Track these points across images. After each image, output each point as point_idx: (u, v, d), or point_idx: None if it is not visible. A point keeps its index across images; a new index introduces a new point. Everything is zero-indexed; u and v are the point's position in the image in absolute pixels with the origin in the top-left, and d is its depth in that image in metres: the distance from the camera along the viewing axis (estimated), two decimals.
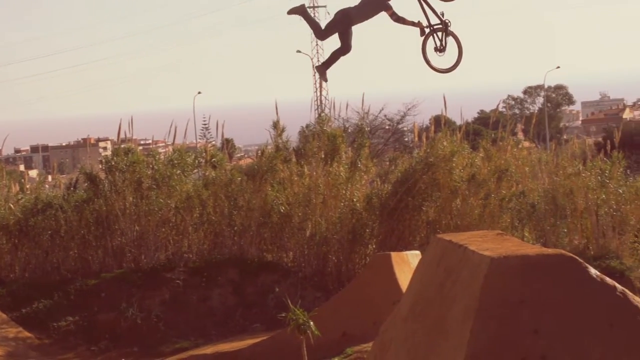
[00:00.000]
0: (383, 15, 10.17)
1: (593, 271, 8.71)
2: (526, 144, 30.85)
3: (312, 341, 14.02)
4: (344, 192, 23.25)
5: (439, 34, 10.07)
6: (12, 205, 24.10)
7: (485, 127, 40.14)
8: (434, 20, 10.08)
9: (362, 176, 23.68)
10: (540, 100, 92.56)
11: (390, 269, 17.25)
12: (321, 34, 10.18)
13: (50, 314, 21.98)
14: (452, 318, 8.82)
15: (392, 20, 9.99)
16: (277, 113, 24.82)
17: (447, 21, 10.06)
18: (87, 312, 21.99)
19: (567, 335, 8.36)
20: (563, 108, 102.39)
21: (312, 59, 79.82)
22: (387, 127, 47.09)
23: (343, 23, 10.03)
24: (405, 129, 47.85)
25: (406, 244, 22.32)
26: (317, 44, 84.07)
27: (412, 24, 10.05)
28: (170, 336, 21.31)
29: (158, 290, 22.42)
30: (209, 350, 19.86)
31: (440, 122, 26.31)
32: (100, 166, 25.53)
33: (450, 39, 10.08)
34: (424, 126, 35.90)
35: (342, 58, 10.37)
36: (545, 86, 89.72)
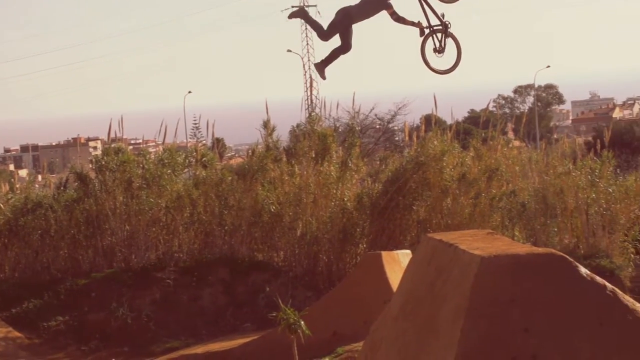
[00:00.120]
0: (379, 14, 10.15)
1: (583, 270, 8.73)
2: (516, 143, 30.88)
3: (302, 340, 14.02)
4: (334, 191, 23.26)
5: (439, 35, 10.06)
6: (1, 205, 24.04)
7: (475, 127, 40.17)
8: (434, 21, 10.07)
9: (353, 175, 23.69)
10: (530, 99, 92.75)
11: (381, 268, 17.26)
12: (324, 34, 10.14)
13: (40, 314, 21.93)
14: (443, 317, 8.82)
15: (392, 20, 9.97)
16: (267, 112, 24.82)
17: (447, 23, 10.05)
18: (78, 311, 21.94)
19: (558, 334, 8.38)
20: (553, 107, 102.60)
21: (302, 58, 79.81)
22: (377, 126, 47.08)
23: (343, 22, 10.02)
24: (396, 128, 47.84)
25: (397, 243, 22.34)
26: (307, 44, 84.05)
27: (412, 24, 10.04)
28: (161, 336, 21.28)
29: (148, 289, 22.39)
30: (199, 349, 19.84)
31: (430, 122, 26.36)
32: (91, 166, 25.48)
33: (449, 41, 10.07)
34: (415, 125, 35.94)
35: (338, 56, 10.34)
36: (536, 85, 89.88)
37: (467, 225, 22.05)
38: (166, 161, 23.99)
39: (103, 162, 23.85)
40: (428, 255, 9.77)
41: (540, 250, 9.16)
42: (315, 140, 23.66)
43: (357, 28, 10.19)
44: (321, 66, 10.27)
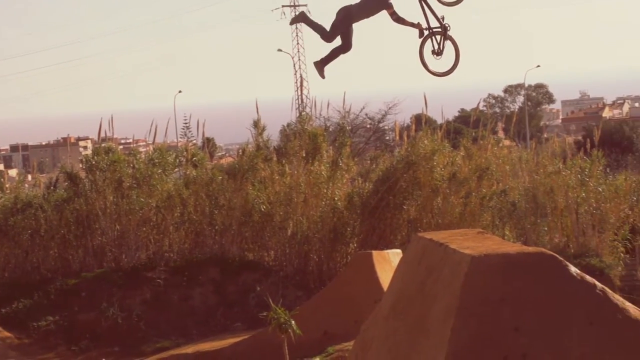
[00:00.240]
0: (379, 14, 10.13)
1: (573, 269, 8.74)
2: (507, 142, 30.95)
3: (293, 340, 14.01)
4: (325, 191, 23.25)
5: (438, 37, 10.05)
6: None
7: (466, 126, 40.24)
8: (434, 23, 10.07)
9: (344, 175, 23.70)
10: (520, 99, 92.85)
11: (371, 267, 17.27)
12: (327, 35, 10.11)
13: (30, 314, 21.87)
14: (433, 316, 8.83)
15: (392, 20, 9.96)
16: (257, 112, 24.80)
17: (446, 25, 10.04)
18: (68, 311, 21.89)
19: (548, 333, 8.39)
20: (543, 107, 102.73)
21: (293, 58, 79.82)
22: (368, 125, 47.12)
23: (344, 21, 9.99)
24: (386, 127, 47.87)
25: (387, 243, 22.36)
26: (298, 43, 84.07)
27: (412, 25, 10.03)
28: (151, 335, 21.25)
29: (139, 289, 22.36)
30: (190, 349, 19.82)
31: (421, 121, 26.37)
32: (81, 165, 25.42)
33: (448, 44, 10.07)
34: (405, 125, 35.99)
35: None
36: (526, 85, 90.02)
37: (457, 224, 22.07)
38: (156, 161, 23.96)
39: (93, 162, 23.80)
40: (418, 254, 9.78)
41: (531, 249, 9.18)
42: (305, 139, 23.66)
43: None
44: (320, 65, 10.23)
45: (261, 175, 23.76)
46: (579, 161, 24.21)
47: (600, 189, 23.50)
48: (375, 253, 18.03)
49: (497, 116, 67.16)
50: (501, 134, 35.39)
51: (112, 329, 21.42)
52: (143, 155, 25.70)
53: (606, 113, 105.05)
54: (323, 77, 10.29)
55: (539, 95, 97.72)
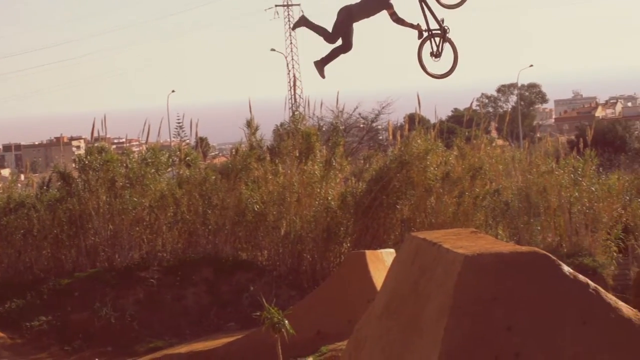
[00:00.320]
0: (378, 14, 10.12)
1: (566, 268, 8.75)
2: (500, 142, 30.98)
3: (286, 340, 14.01)
4: (318, 190, 23.26)
5: (437, 39, 10.06)
6: None
7: (459, 126, 40.26)
8: (434, 25, 10.07)
9: (337, 175, 23.71)
10: (513, 98, 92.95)
11: (364, 267, 17.28)
12: (330, 37, 10.09)
13: (23, 314, 21.84)
14: (427, 315, 8.83)
15: (391, 20, 9.95)
16: (250, 111, 24.79)
17: (446, 28, 10.05)
18: (61, 311, 21.86)
19: (541, 332, 8.40)
20: (536, 106, 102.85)
21: (286, 57, 79.80)
22: (361, 125, 47.13)
23: (345, 21, 9.98)
24: (379, 127, 47.89)
25: (381, 242, 22.37)
26: (291, 42, 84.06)
27: (411, 26, 10.03)
28: (145, 335, 21.23)
29: (132, 289, 22.34)
30: (183, 349, 19.81)
31: (414, 121, 26.40)
32: (74, 165, 25.39)
33: (447, 46, 10.08)
34: (399, 124, 35.99)
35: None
36: (519, 84, 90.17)
37: (450, 224, 22.09)
38: (150, 160, 23.94)
39: (86, 162, 23.77)
40: (412, 254, 9.77)
41: (524, 248, 9.18)
42: (299, 139, 23.66)
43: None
44: (320, 65, 10.22)
45: (254, 175, 23.75)
46: (571, 161, 24.25)
47: (593, 189, 23.54)
48: (368, 253, 18.05)
49: (490, 116, 67.16)
50: (494, 134, 35.42)
51: (105, 329, 21.39)
52: (136, 155, 25.68)
53: (599, 112, 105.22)
54: (323, 76, 10.27)
55: (532, 94, 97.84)
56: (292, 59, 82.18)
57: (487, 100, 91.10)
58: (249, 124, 24.60)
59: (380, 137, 47.40)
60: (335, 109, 29.21)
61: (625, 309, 8.68)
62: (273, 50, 69.19)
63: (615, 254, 23.13)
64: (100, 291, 22.19)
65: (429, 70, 10.17)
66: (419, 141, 23.42)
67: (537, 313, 8.45)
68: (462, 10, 10.21)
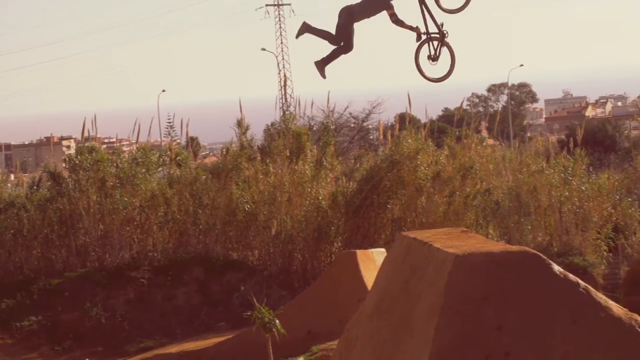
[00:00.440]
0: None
1: (556, 268, 8.77)
2: (490, 141, 31.06)
3: (277, 339, 14.01)
4: (309, 190, 23.25)
5: (435, 43, 10.06)
6: None
7: (449, 125, 40.30)
8: (433, 28, 10.07)
9: (328, 174, 23.70)
10: (504, 98, 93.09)
11: (355, 266, 17.28)
12: (335, 39, 10.06)
13: (13, 314, 21.78)
14: (417, 315, 8.84)
15: (390, 21, 9.95)
16: (241, 111, 24.78)
17: (444, 32, 10.06)
18: (51, 311, 21.81)
19: (531, 332, 8.41)
20: (527, 106, 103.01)
21: (276, 57, 79.77)
22: (352, 125, 47.15)
23: (347, 22, 9.97)
24: (370, 126, 47.92)
25: (371, 242, 22.37)
26: (282, 42, 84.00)
27: (410, 28, 10.03)
28: (135, 335, 21.20)
29: (122, 289, 22.30)
30: (174, 349, 19.78)
31: (405, 120, 26.40)
32: (64, 165, 25.34)
33: (444, 50, 10.08)
34: (389, 124, 36.02)
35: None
36: (509, 84, 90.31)
37: (441, 223, 22.11)
38: (140, 160, 23.90)
39: (76, 161, 23.72)
40: (403, 253, 9.78)
41: (514, 248, 9.20)
42: (289, 139, 23.65)
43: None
44: (321, 65, 10.20)
45: (245, 174, 23.74)
46: (562, 160, 24.29)
47: (583, 188, 23.58)
48: (359, 252, 18.04)
49: (480, 115, 67.33)
50: (485, 133, 35.50)
51: (95, 329, 21.35)
52: (126, 155, 25.64)
53: (589, 112, 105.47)
54: (324, 77, 10.26)
55: (522, 94, 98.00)
56: (283, 58, 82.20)
57: (477, 100, 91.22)
58: (239, 123, 24.59)
59: (371, 137, 47.44)
60: (326, 109, 29.21)
61: (616, 308, 8.70)
62: (264, 49, 69.18)
63: (605, 253, 23.18)
64: (90, 291, 22.15)
65: (425, 73, 10.18)
66: (409, 141, 23.43)
67: (527, 312, 8.47)
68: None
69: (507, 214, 23.81)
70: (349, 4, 10.04)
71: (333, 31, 10.09)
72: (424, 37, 10.11)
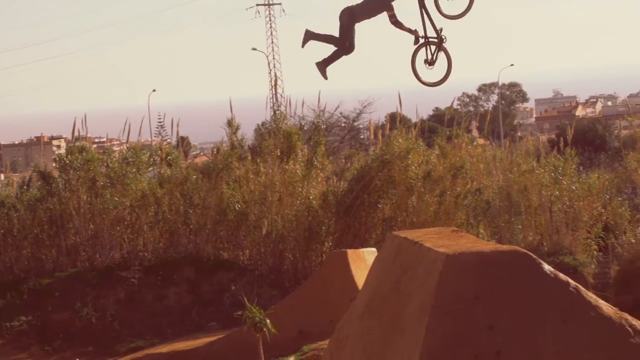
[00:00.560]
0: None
1: (547, 267, 8.78)
2: (481, 141, 31.08)
3: (268, 339, 14.00)
4: (300, 189, 23.24)
5: (432, 47, 10.07)
6: None
7: (440, 125, 40.34)
8: (431, 33, 10.07)
9: (318, 174, 23.70)
10: (494, 97, 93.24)
11: (346, 266, 17.28)
12: (340, 42, 10.04)
13: (2, 314, 21.72)
14: (408, 314, 8.84)
15: (389, 22, 9.95)
16: (231, 110, 24.76)
17: (443, 37, 10.06)
18: (41, 311, 21.76)
19: (522, 331, 8.42)
20: (517, 105, 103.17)
21: (267, 57, 79.71)
22: (343, 124, 47.16)
23: (349, 23, 9.96)
24: (361, 126, 47.94)
25: (362, 241, 22.38)
26: (272, 42, 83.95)
27: (409, 30, 10.03)
28: (126, 335, 21.17)
29: (113, 289, 22.26)
30: (164, 349, 19.75)
31: (395, 120, 26.41)
32: (54, 164, 25.27)
33: (441, 55, 10.08)
34: (380, 123, 36.00)
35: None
36: (499, 84, 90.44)
37: (432, 222, 22.13)
38: (130, 160, 23.86)
39: (67, 161, 23.66)
40: (393, 253, 9.78)
41: (505, 247, 9.21)
42: (280, 138, 23.64)
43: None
44: (322, 66, 10.19)
45: (236, 174, 23.72)
46: (552, 159, 24.32)
47: (573, 187, 23.62)
48: (350, 252, 18.05)
49: (471, 115, 67.40)
50: (475, 133, 35.53)
51: (86, 329, 21.31)
52: (117, 154, 25.60)
53: (579, 112, 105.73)
54: (326, 78, 10.25)
55: (512, 94, 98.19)
56: (274, 58, 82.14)
57: (468, 100, 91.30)
58: (229, 123, 24.57)
59: (362, 137, 47.44)
60: (316, 108, 29.21)
61: (605, 307, 8.72)
62: (254, 49, 69.14)
63: (595, 252, 23.23)
64: (81, 291, 22.10)
65: (420, 75, 10.17)
66: (400, 140, 23.44)
67: (518, 311, 8.48)
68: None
69: (498, 213, 23.83)
70: (349, 4, 10.04)
71: (334, 34, 10.09)
72: (421, 40, 10.13)
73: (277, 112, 27.44)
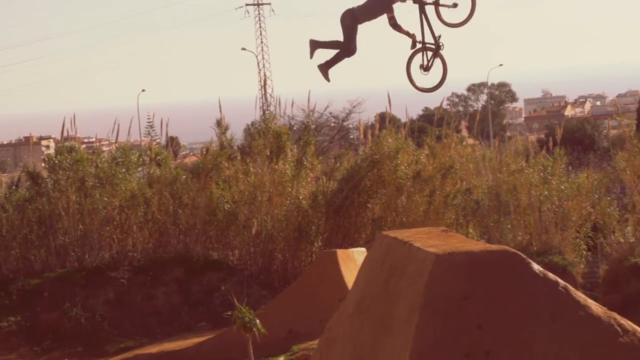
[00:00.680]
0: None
1: (536, 267, 8.80)
2: (470, 141, 31.10)
3: (258, 339, 13.99)
4: (289, 189, 23.24)
5: (429, 53, 10.08)
6: None
7: (429, 124, 40.41)
8: (429, 39, 10.08)
9: (308, 174, 23.69)
10: (483, 97, 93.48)
11: (336, 266, 17.28)
12: (345, 44, 10.04)
13: None
14: (398, 314, 8.85)
15: (388, 24, 9.96)
16: (220, 110, 24.73)
17: (440, 44, 10.08)
18: (30, 312, 21.70)
19: (511, 331, 8.44)
20: (506, 105, 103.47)
21: (257, 57, 79.71)
22: (332, 124, 47.22)
23: (352, 25, 9.95)
24: (350, 126, 47.99)
25: (352, 241, 22.39)
26: (262, 42, 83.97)
27: (407, 34, 10.04)
28: (115, 336, 21.13)
29: (102, 289, 22.21)
30: (154, 349, 19.72)
31: (385, 120, 26.42)
32: (43, 165, 25.21)
33: (437, 62, 10.09)
34: (369, 123, 36.04)
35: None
36: (489, 83, 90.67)
37: (421, 222, 22.14)
38: (120, 160, 23.82)
39: (56, 161, 23.61)
40: (383, 253, 9.79)
41: (494, 247, 9.22)
42: (270, 138, 23.63)
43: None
44: (325, 68, 10.18)
45: (225, 174, 23.69)
46: (541, 159, 24.35)
47: (562, 187, 23.65)
48: (339, 252, 18.05)
49: (460, 115, 67.53)
50: (465, 133, 35.61)
51: (75, 330, 21.26)
52: (106, 155, 25.55)
53: (568, 111, 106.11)
54: (328, 80, 10.25)
55: (501, 93, 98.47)
56: (263, 57, 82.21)
57: (457, 99, 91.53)
58: (219, 123, 24.55)
59: (351, 136, 47.51)
60: (306, 108, 29.19)
61: (595, 306, 8.75)
62: (244, 49, 69.14)
63: (584, 252, 23.27)
64: (70, 291, 22.05)
65: (415, 82, 10.18)
66: (389, 140, 23.45)
67: (507, 311, 8.50)
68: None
69: (487, 213, 23.86)
70: (350, 7, 10.05)
71: (336, 38, 10.09)
72: (418, 45, 10.14)
73: (266, 112, 27.41)
